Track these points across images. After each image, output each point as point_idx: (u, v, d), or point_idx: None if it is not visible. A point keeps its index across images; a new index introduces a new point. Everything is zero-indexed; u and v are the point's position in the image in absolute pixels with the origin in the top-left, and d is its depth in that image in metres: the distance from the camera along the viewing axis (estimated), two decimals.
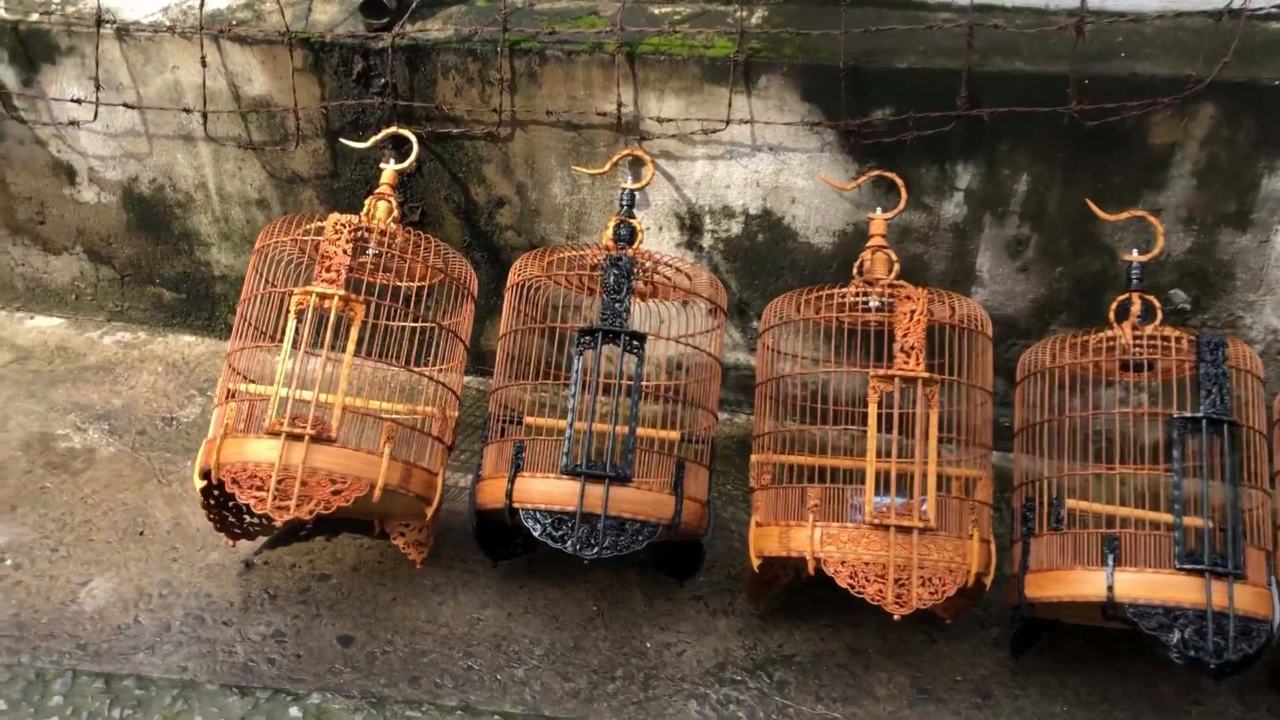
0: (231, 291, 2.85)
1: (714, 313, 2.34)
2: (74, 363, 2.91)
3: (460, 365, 2.36)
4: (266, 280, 2.33)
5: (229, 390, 2.30)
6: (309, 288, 2.16)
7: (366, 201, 2.39)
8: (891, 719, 2.12)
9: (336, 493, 2.10)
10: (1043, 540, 2.15)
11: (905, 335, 2.12)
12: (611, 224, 2.38)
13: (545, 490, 2.11)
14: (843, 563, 2.06)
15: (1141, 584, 1.96)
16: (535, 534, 2.09)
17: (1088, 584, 2.02)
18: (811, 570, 2.07)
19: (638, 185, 2.46)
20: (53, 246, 2.92)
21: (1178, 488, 2.00)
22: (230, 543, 2.37)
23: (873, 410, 2.10)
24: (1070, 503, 2.18)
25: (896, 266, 2.33)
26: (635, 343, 2.15)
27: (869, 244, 2.35)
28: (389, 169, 2.45)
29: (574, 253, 2.34)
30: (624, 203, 2.42)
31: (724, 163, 2.48)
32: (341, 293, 2.15)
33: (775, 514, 2.20)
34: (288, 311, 2.18)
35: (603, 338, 2.15)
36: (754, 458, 2.30)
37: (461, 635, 2.24)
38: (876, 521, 2.04)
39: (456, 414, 2.35)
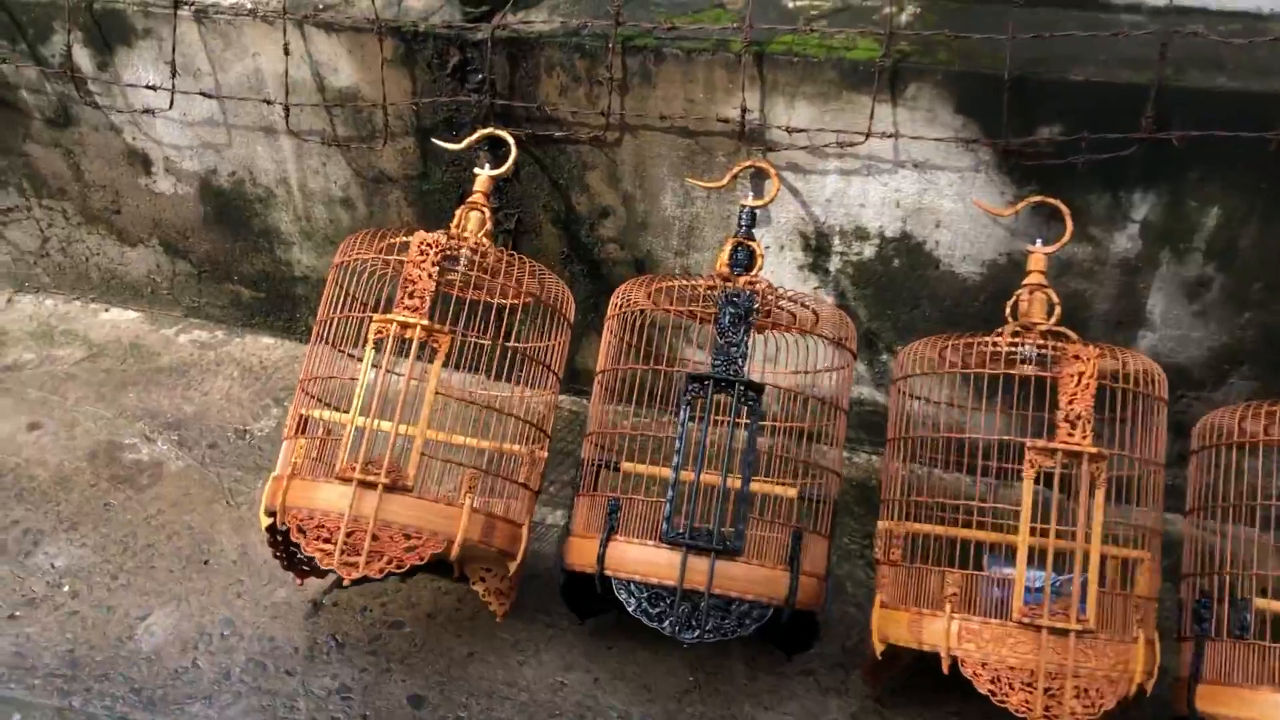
0: (313, 294, 2.65)
1: (840, 351, 2.04)
2: (147, 363, 2.74)
3: (552, 400, 2.11)
4: (346, 296, 2.10)
5: (301, 417, 2.09)
6: (389, 316, 1.92)
7: (458, 211, 2.15)
8: None
9: (411, 549, 1.88)
10: (1221, 646, 1.83)
11: (1070, 403, 1.81)
12: (727, 247, 2.10)
13: (642, 559, 1.86)
14: (984, 664, 1.78)
15: None
16: (629, 609, 1.85)
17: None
18: (946, 669, 1.79)
19: (760, 202, 2.17)
20: (128, 237, 2.75)
21: None
22: (298, 581, 2.17)
23: (1028, 488, 1.80)
24: (1260, 603, 1.86)
25: (1058, 310, 2.01)
26: (751, 394, 1.88)
27: (1026, 281, 2.04)
28: (483, 175, 2.21)
29: (683, 282, 2.07)
30: (743, 222, 2.14)
31: (859, 179, 2.18)
32: (424, 323, 1.92)
33: (905, 595, 1.92)
34: (366, 339, 1.95)
35: (714, 386, 1.88)
36: (882, 525, 2.01)
37: (543, 702, 2.01)
38: (1026, 620, 1.75)
39: (545, 454, 2.10)
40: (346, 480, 1.87)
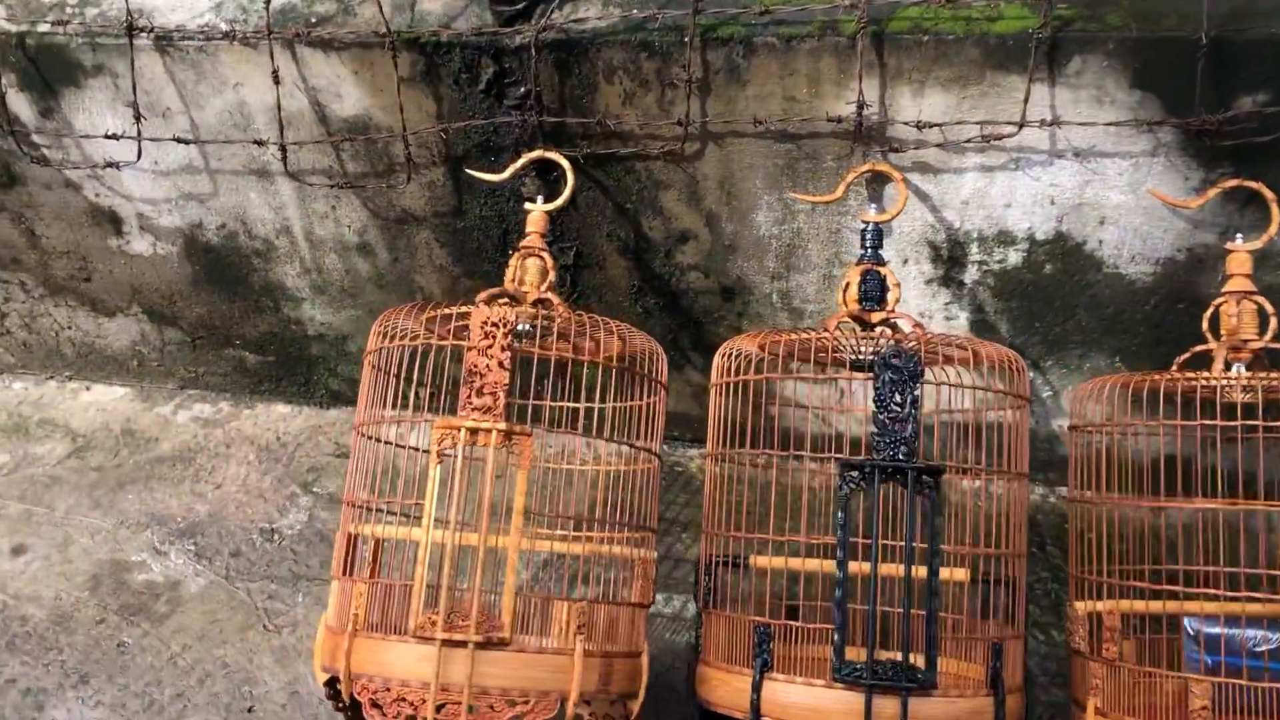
0: (331, 353, 2.22)
1: (1015, 407, 1.64)
2: (144, 452, 2.32)
3: (655, 487, 1.71)
4: (390, 385, 1.69)
5: (350, 538, 1.68)
6: (454, 420, 1.51)
7: (512, 261, 1.72)
8: None
9: (518, 718, 1.49)
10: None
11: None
12: (854, 277, 1.69)
13: (811, 705, 1.47)
14: None
15: None
16: None
17: None
18: None
19: (886, 216, 1.75)
20: (104, 306, 2.31)
21: None
22: None
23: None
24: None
25: (1274, 322, 1.62)
26: (928, 480, 1.48)
27: (1229, 287, 1.64)
28: (537, 210, 1.78)
29: (806, 336, 1.66)
30: (869, 243, 1.73)
31: (1005, 175, 1.76)
32: (501, 426, 1.50)
33: (1124, 702, 1.54)
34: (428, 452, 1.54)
35: (879, 474, 1.48)
36: (1079, 607, 1.63)
37: None
38: None
39: (655, 555, 1.71)
40: (427, 639, 1.47)
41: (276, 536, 2.13)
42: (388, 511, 1.74)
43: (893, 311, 1.70)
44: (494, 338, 1.54)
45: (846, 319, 1.71)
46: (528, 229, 1.78)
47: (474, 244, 2.00)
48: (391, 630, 1.55)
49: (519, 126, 1.82)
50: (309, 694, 1.86)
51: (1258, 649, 1.71)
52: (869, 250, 1.73)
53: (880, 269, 1.72)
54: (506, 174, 1.83)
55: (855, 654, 1.47)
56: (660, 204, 1.89)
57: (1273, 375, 1.61)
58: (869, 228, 1.74)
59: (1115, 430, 1.67)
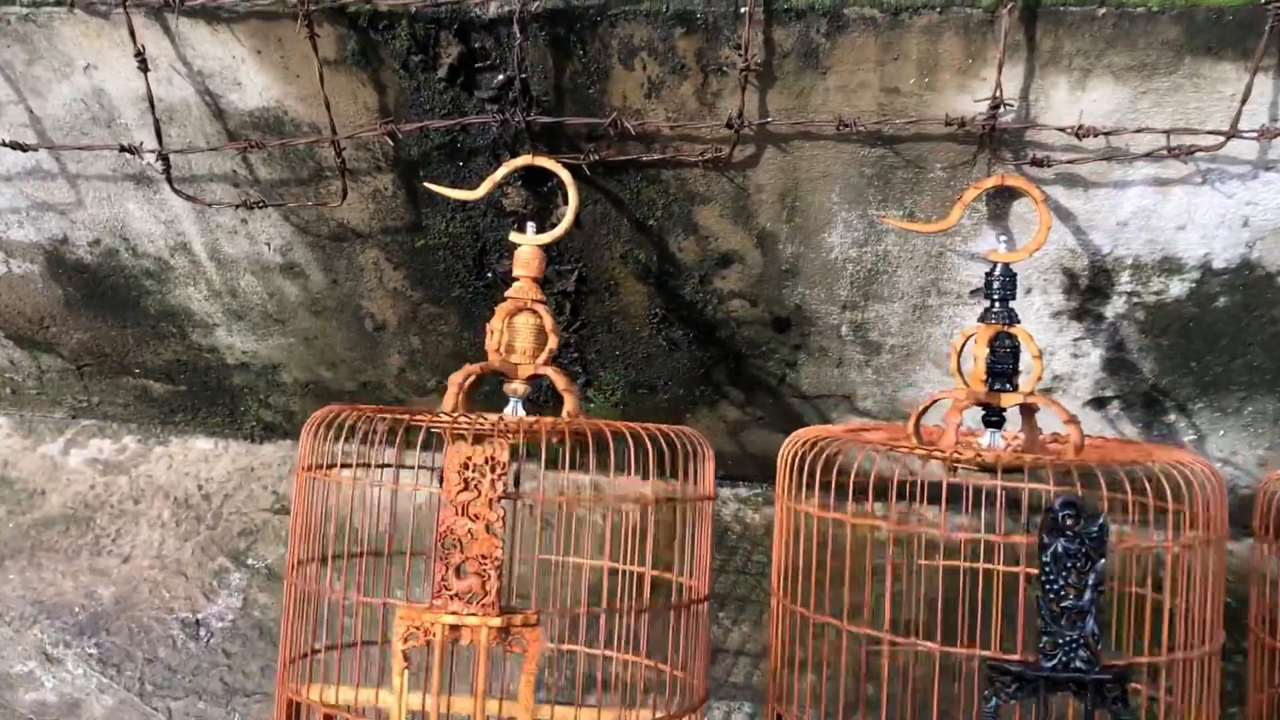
0: (260, 383, 1.72)
1: (1214, 544, 1.17)
2: (28, 510, 1.82)
3: (705, 624, 1.25)
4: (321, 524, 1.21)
5: (290, 705, 1.23)
6: (424, 612, 1.04)
7: (496, 319, 1.23)
8: None
9: None
10: None
11: None
12: (980, 345, 1.20)
13: None
14: None
15: None
16: None
17: None
18: None
19: (1020, 254, 1.25)
20: None
21: None
22: None
23: None
24: None
25: None
26: (1113, 690, 1.03)
27: None
28: (527, 246, 1.26)
29: (890, 438, 1.18)
30: (997, 293, 1.23)
31: (1184, 190, 1.26)
32: (496, 621, 1.03)
33: None
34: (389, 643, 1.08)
35: (1046, 685, 1.03)
36: None
37: None
38: None
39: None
40: None
41: (203, 632, 1.66)
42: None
43: (1033, 395, 1.22)
44: (480, 488, 1.05)
45: (966, 404, 1.23)
46: (516, 271, 1.27)
47: (440, 266, 1.48)
48: None
49: (497, 124, 1.27)
50: None
51: None
52: (997, 302, 1.23)
53: (1014, 331, 1.23)
54: (481, 190, 1.30)
55: None
56: (695, 220, 1.37)
57: None
58: (997, 270, 1.24)
59: None
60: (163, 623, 1.67)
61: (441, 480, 1.09)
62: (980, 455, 1.17)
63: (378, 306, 1.56)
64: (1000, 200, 1.31)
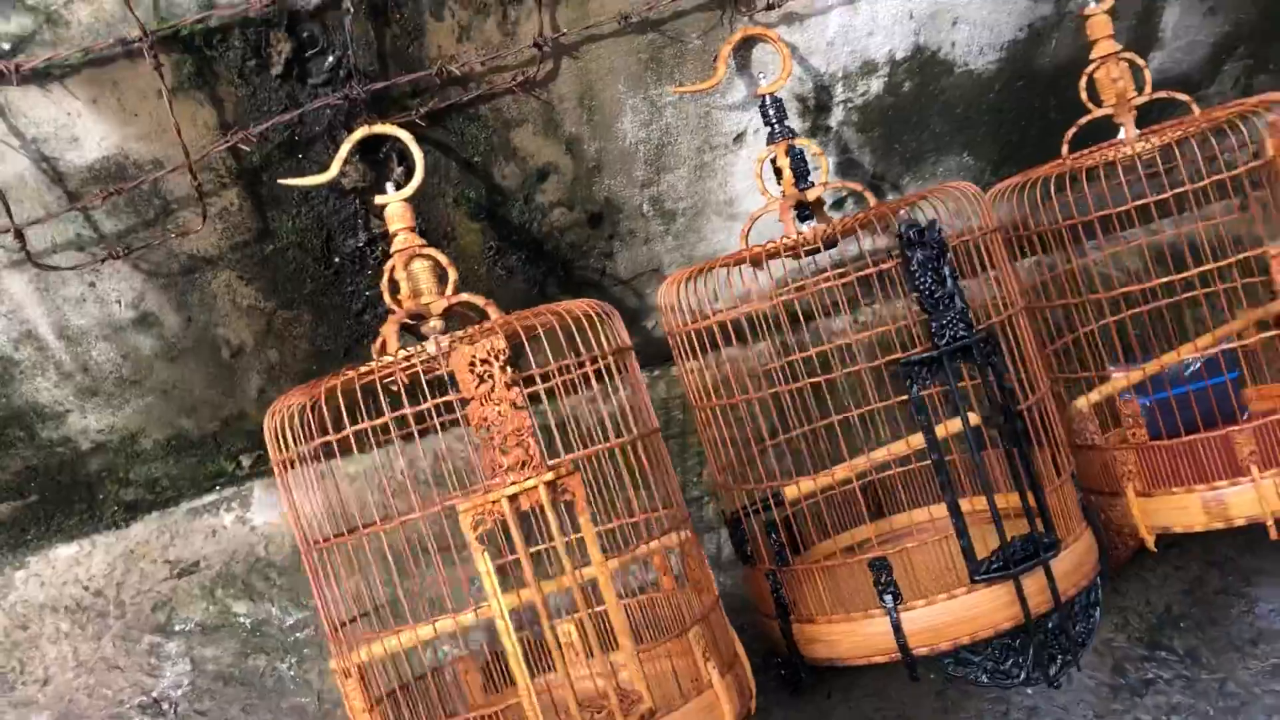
0: (119, 460, 1.72)
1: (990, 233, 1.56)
2: None
3: (667, 460, 1.47)
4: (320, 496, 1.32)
5: (351, 670, 1.33)
6: (485, 495, 1.20)
7: (388, 275, 1.38)
8: None
9: None
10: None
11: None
12: (776, 156, 1.52)
13: (962, 616, 1.37)
14: None
15: None
16: (982, 683, 1.38)
17: None
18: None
19: (779, 82, 1.57)
20: None
21: None
22: None
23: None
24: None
25: (1148, 83, 1.66)
26: (989, 348, 1.38)
27: (1096, 52, 1.65)
28: (394, 201, 1.42)
29: (745, 255, 1.47)
30: (771, 116, 1.55)
31: (866, 2, 1.63)
32: (546, 477, 1.21)
33: (1167, 473, 1.59)
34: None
35: (949, 360, 1.35)
36: (1081, 403, 1.65)
37: None
38: None
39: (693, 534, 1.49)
40: None
41: (165, 706, 1.66)
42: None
43: (827, 185, 1.55)
44: (492, 376, 1.22)
45: (790, 202, 1.54)
46: (392, 228, 1.42)
47: (290, 266, 1.58)
48: None
49: (330, 108, 1.41)
50: None
51: (1190, 372, 1.82)
52: (777, 124, 1.55)
53: (797, 142, 1.55)
54: (333, 170, 1.44)
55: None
56: (513, 145, 1.58)
57: (1164, 127, 1.65)
58: (768, 101, 1.56)
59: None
60: (121, 714, 1.64)
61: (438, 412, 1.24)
62: (819, 235, 1.49)
63: (233, 330, 1.63)
64: (743, 52, 1.62)
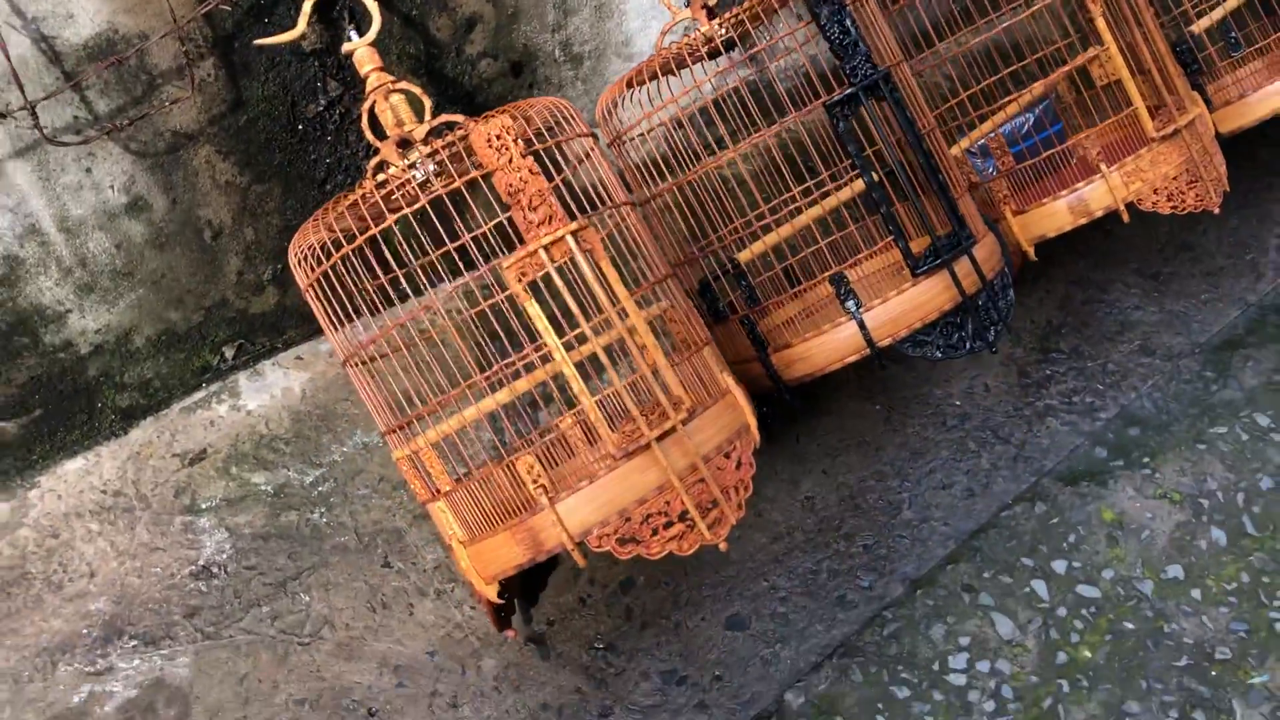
0: (114, 362, 1.81)
1: None
2: None
3: (646, 231, 1.69)
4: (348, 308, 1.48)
5: (409, 456, 1.51)
6: (525, 248, 1.40)
7: (372, 105, 1.55)
8: None
9: (738, 464, 1.50)
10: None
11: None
12: None
13: (913, 304, 1.66)
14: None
15: None
16: (936, 358, 1.67)
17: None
18: (1127, 218, 1.86)
19: None
20: None
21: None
22: (511, 633, 1.67)
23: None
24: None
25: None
26: (891, 84, 1.66)
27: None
28: (361, 48, 1.59)
29: (667, 55, 1.71)
30: None
31: None
32: (571, 227, 1.42)
33: (1030, 195, 1.92)
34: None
35: (864, 96, 1.63)
36: (955, 150, 1.97)
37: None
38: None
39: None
40: (639, 448, 1.41)
41: (216, 568, 1.77)
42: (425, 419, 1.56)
43: None
44: (508, 147, 1.41)
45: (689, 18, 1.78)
46: (363, 70, 1.59)
47: (260, 136, 1.72)
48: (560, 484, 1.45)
49: None
50: None
51: (1023, 131, 2.19)
52: None
53: None
54: (301, 24, 1.60)
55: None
56: None
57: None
58: None
59: None
60: (176, 588, 1.75)
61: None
62: (728, 23, 1.73)
63: (213, 210, 1.75)
64: None
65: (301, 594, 1.73)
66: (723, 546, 1.43)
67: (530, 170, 1.41)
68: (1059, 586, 1.71)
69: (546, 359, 1.57)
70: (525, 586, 1.77)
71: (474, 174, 1.44)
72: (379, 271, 1.54)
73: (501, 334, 1.63)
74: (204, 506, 1.83)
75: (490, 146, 1.40)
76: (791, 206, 1.77)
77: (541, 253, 1.40)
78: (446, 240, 1.51)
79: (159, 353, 1.84)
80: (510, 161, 1.41)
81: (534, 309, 1.41)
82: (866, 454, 1.93)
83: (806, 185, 1.79)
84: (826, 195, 1.77)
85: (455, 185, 1.44)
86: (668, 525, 1.42)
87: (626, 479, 1.41)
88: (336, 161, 1.81)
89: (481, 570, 1.48)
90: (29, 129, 1.46)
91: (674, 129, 1.82)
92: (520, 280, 1.40)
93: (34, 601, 1.73)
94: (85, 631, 1.69)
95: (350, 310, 1.53)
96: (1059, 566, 1.75)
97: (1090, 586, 1.71)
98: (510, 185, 1.40)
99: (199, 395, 1.93)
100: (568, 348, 1.41)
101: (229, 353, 1.92)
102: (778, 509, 1.86)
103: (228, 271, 1.83)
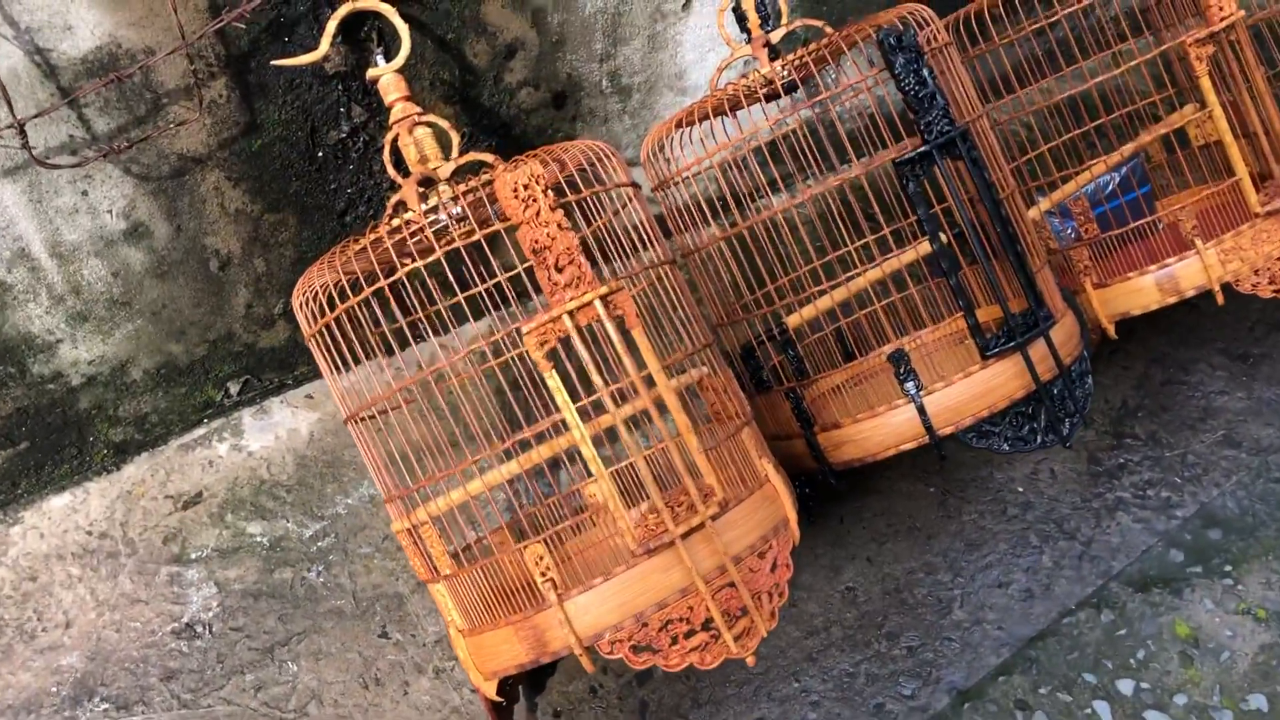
0: (108, 395, 1.68)
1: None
2: None
3: (689, 297, 1.53)
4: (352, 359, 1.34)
5: (409, 534, 1.36)
6: (549, 313, 1.24)
7: (395, 137, 1.41)
8: None
9: (773, 567, 1.34)
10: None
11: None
12: (747, 3, 1.60)
13: (980, 390, 1.48)
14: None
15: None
16: (1004, 450, 1.49)
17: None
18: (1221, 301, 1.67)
19: None
20: None
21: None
22: None
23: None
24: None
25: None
26: (969, 143, 1.49)
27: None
28: (387, 75, 1.44)
29: (721, 97, 1.55)
30: None
31: None
32: (601, 291, 1.26)
33: (1109, 267, 1.74)
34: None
35: (940, 154, 1.46)
36: (1032, 213, 1.79)
37: None
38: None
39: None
40: (662, 545, 1.25)
41: (200, 627, 1.63)
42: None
43: (792, 23, 1.64)
44: (535, 199, 1.26)
45: (764, 40, 1.62)
46: (388, 99, 1.45)
47: (276, 163, 1.58)
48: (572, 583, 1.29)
49: None
50: None
51: (1108, 191, 2.00)
52: None
53: None
54: (323, 46, 1.45)
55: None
56: (483, 19, 1.61)
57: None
58: None
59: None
60: (155, 646, 1.61)
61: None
62: (789, 65, 1.57)
63: (221, 239, 1.61)
64: None
65: (289, 662, 1.59)
66: (750, 661, 1.27)
67: (559, 225, 1.26)
68: (1124, 710, 1.53)
69: (563, 427, 1.41)
70: (533, 671, 1.61)
71: (496, 226, 1.29)
72: (383, 321, 1.39)
73: (516, 389, 1.48)
74: (193, 556, 1.69)
75: (516, 197, 1.25)
76: (848, 274, 1.59)
77: (565, 319, 1.24)
78: (457, 290, 1.36)
79: (158, 386, 1.71)
80: (538, 215, 1.25)
81: (554, 381, 1.25)
82: (916, 542, 1.75)
83: (865, 241, 1.62)
84: (888, 256, 1.60)
85: (475, 238, 1.28)
86: (689, 634, 1.27)
87: (646, 579, 1.25)
88: (359, 192, 1.67)
89: (480, 665, 1.33)
90: (18, 148, 1.33)
91: (725, 170, 1.66)
92: (541, 347, 1.25)
93: (4, 651, 1.60)
94: (55, 689, 1.56)
95: (354, 359, 1.38)
96: (1125, 686, 1.57)
97: (1160, 714, 1.53)
98: (536, 241, 1.25)
99: (199, 432, 1.79)
100: (586, 416, 1.25)
101: (234, 388, 1.79)
102: (815, 599, 1.69)
103: (235, 303, 1.69)
